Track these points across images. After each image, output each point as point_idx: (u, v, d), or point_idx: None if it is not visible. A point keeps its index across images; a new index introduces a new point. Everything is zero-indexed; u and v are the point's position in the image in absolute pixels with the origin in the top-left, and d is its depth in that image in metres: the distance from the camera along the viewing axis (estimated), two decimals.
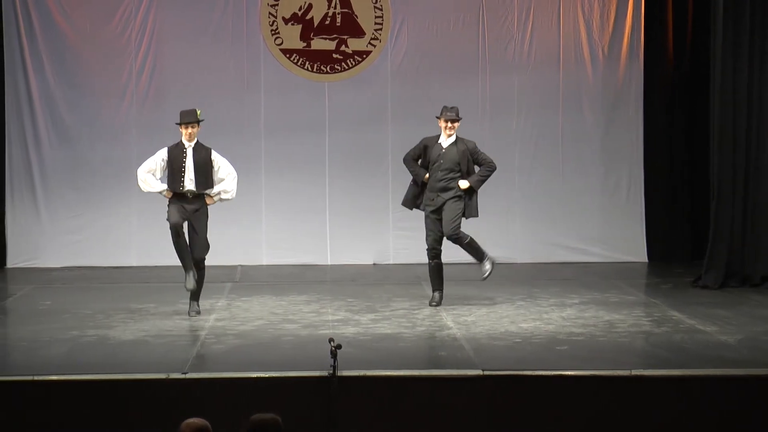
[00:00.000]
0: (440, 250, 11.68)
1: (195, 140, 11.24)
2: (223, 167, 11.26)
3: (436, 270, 11.76)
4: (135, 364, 9.27)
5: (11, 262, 14.77)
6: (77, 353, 9.62)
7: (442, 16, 15.05)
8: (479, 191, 11.69)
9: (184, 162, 11.13)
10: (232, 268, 14.48)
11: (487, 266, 11.64)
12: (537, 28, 15.07)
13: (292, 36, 14.93)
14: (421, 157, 11.78)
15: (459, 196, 11.59)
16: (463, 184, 11.60)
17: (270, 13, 14.91)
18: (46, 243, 14.81)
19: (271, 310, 11.61)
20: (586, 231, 15.13)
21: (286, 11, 14.92)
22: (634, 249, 15.17)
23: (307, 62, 14.96)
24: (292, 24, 14.94)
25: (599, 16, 15.08)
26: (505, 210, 14.87)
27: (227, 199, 11.39)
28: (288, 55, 14.95)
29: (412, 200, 11.86)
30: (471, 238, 11.64)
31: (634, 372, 8.79)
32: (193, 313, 11.23)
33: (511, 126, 14.92)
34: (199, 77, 14.79)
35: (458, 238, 11.58)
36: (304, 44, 14.96)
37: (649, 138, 15.24)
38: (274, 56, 14.94)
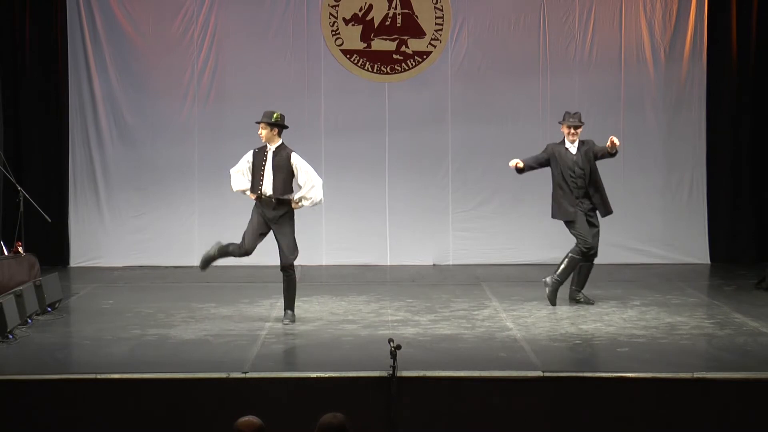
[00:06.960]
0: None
1: (278, 143, 10.83)
2: (303, 172, 10.80)
3: (587, 270, 11.88)
4: (196, 363, 9.31)
5: (74, 262, 14.93)
6: (139, 352, 9.69)
7: (502, 16, 15.00)
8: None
9: (264, 165, 10.80)
10: None
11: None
12: (598, 28, 14.98)
13: (352, 36, 14.96)
14: (545, 162, 11.79)
15: (594, 209, 11.76)
16: (616, 140, 11.72)
17: (330, 13, 14.94)
18: (109, 242, 14.95)
19: (331, 311, 11.63)
20: (647, 232, 15.04)
21: (346, 12, 14.95)
22: (697, 250, 15.05)
23: (368, 63, 14.97)
24: (353, 25, 14.97)
25: (661, 15, 14.96)
26: None
27: (314, 205, 10.96)
28: (348, 56, 14.97)
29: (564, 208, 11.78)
30: None
31: (697, 375, 8.71)
32: (286, 321, 10.89)
33: None
34: (260, 78, 14.86)
35: (596, 255, 11.78)
36: (365, 45, 14.98)
37: (712, 138, 15.11)
38: (335, 57, 14.97)
